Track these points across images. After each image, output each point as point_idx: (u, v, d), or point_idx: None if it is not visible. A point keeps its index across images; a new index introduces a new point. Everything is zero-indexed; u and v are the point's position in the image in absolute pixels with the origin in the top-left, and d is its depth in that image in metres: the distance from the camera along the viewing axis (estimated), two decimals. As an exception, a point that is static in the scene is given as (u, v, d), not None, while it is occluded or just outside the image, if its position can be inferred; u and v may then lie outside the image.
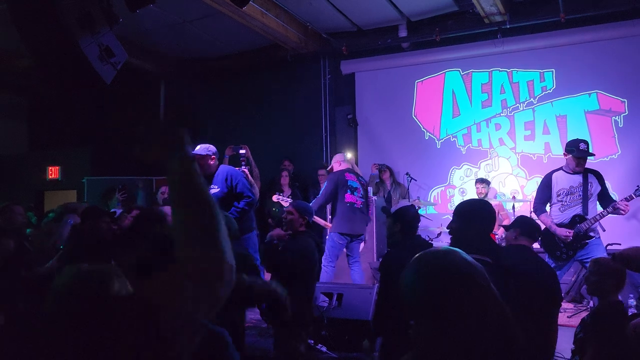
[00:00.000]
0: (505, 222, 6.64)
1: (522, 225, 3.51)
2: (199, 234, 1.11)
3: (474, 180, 7.21)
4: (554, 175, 4.95)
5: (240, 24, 7.27)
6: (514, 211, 6.55)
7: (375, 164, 7.89)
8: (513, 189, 7.46)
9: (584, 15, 6.89)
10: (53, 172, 9.15)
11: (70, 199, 8.03)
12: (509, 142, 7.60)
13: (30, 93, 10.05)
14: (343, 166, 5.97)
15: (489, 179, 7.39)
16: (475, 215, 2.84)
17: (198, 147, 4.86)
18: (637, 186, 4.73)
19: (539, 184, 7.52)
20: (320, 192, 5.95)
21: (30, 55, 4.33)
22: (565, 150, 4.87)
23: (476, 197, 6.92)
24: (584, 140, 4.85)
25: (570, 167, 4.83)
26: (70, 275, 1.27)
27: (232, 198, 4.80)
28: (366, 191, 6.01)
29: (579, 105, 7.20)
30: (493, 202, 6.84)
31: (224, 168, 4.97)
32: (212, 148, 4.91)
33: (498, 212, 6.68)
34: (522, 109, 7.52)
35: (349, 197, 5.69)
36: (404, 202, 7.36)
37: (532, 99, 7.47)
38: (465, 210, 2.92)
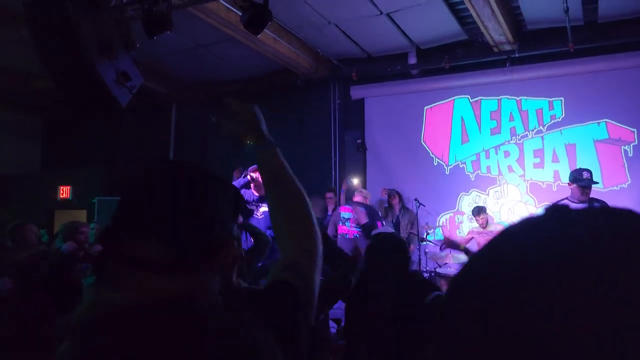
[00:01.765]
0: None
1: None
2: (302, 212, 1.24)
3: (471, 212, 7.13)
4: None
5: (252, 49, 7.41)
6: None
7: (384, 189, 7.92)
8: (522, 216, 7.43)
9: (592, 45, 6.97)
10: (64, 192, 9.27)
11: (81, 218, 8.11)
12: (518, 170, 7.61)
13: (46, 114, 10.25)
14: (356, 198, 6.28)
15: (498, 206, 7.39)
16: None
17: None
18: None
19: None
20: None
21: (49, 79, 4.44)
22: (570, 180, 4.84)
23: (478, 227, 6.88)
24: (587, 169, 4.85)
25: (575, 196, 4.77)
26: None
27: None
28: (369, 218, 6.04)
29: (588, 134, 7.22)
30: (497, 227, 6.85)
31: None
32: None
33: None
34: (531, 136, 7.55)
35: (341, 228, 6.02)
36: (413, 227, 7.35)
37: (541, 127, 7.51)
38: None
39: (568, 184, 4.88)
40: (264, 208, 5.24)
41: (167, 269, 0.84)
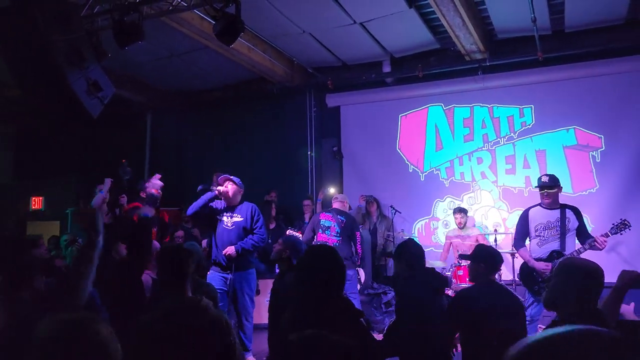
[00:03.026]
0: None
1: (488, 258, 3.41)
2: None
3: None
4: (531, 210, 5.07)
5: (227, 58, 7.42)
6: (496, 244, 6.64)
7: (362, 196, 7.98)
8: (495, 221, 7.58)
9: (560, 54, 7.15)
10: (37, 203, 9.10)
11: (53, 230, 7.97)
12: (491, 176, 7.75)
13: (18, 123, 10.07)
14: (335, 204, 6.28)
15: (472, 211, 7.51)
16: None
17: (232, 179, 5.24)
18: (613, 224, 4.84)
19: (520, 217, 7.64)
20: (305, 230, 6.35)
21: (19, 89, 4.39)
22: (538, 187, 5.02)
23: (456, 227, 7.01)
24: (546, 174, 5.06)
25: (545, 202, 4.94)
26: (57, 324, 1.27)
27: (249, 231, 5.18)
28: (348, 228, 6.07)
29: (557, 140, 7.40)
30: (474, 232, 6.97)
31: (249, 203, 5.34)
32: (241, 183, 5.32)
33: (477, 239, 6.76)
34: (502, 143, 7.70)
35: (320, 236, 6.02)
36: (389, 235, 7.43)
37: (512, 134, 7.66)
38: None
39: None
40: (236, 218, 5.19)
41: None
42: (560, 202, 5.01)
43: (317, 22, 6.84)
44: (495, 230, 7.04)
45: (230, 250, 4.99)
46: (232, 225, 5.16)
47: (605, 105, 7.17)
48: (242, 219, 5.19)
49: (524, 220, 5.08)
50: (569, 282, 2.32)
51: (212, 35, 5.96)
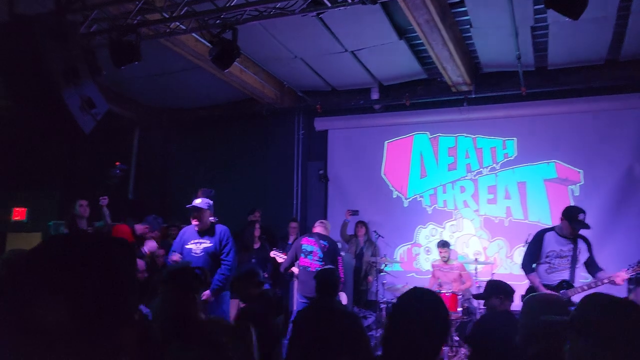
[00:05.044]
0: (468, 283, 6.85)
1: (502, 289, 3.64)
2: None
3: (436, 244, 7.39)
4: (547, 234, 4.90)
5: (218, 78, 7.50)
6: (476, 272, 6.75)
7: (349, 210, 7.93)
8: (476, 250, 7.70)
9: (543, 90, 7.40)
10: (19, 214, 8.98)
11: (35, 241, 7.85)
12: (473, 205, 7.90)
13: (1, 132, 9.96)
14: (317, 229, 6.32)
15: (453, 240, 7.64)
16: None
17: (199, 200, 5.18)
18: (629, 266, 4.66)
19: (500, 247, 7.80)
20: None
21: (12, 102, 4.41)
22: (563, 216, 4.82)
23: (439, 259, 7.10)
24: (583, 210, 4.80)
25: (564, 232, 4.80)
26: None
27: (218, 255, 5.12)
28: (331, 252, 6.12)
29: (538, 173, 7.59)
30: (455, 264, 7.08)
31: (220, 226, 5.24)
32: (210, 203, 5.23)
33: (460, 274, 6.88)
34: (485, 173, 7.88)
35: (302, 260, 6.07)
36: (374, 261, 7.45)
37: (494, 165, 7.85)
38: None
39: (560, 218, 4.86)
40: (205, 244, 5.13)
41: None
42: None
43: (309, 49, 6.99)
44: (476, 259, 7.15)
45: (206, 295, 4.84)
46: (200, 252, 5.09)
47: (585, 141, 7.40)
48: (211, 244, 5.10)
49: (537, 243, 4.89)
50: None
51: (205, 57, 6.06)
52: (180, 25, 4.80)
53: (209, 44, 5.54)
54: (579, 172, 7.40)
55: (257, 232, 7.75)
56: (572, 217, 4.72)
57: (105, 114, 4.84)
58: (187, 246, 5.13)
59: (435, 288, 6.69)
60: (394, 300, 6.71)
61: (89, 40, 4.65)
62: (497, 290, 3.65)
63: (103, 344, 0.87)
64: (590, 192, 7.26)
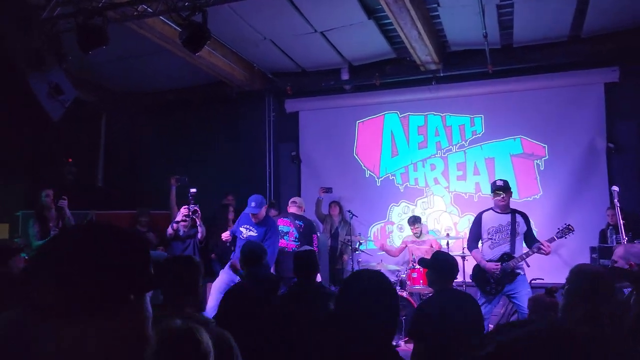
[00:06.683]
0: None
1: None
2: None
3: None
4: (484, 214, 5.38)
5: (186, 61, 7.39)
6: (448, 247, 6.94)
7: (322, 188, 7.97)
8: (447, 225, 7.89)
9: (508, 67, 7.56)
10: (-17, 206, 8.73)
11: (2, 232, 7.68)
12: (443, 182, 8.07)
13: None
14: (291, 209, 6.42)
15: (425, 216, 7.80)
16: None
17: (254, 204, 5.73)
18: (558, 228, 5.20)
19: (470, 221, 8.02)
20: None
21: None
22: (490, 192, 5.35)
23: (411, 235, 7.24)
24: (500, 179, 5.39)
25: (497, 207, 5.26)
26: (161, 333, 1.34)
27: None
28: (307, 232, 6.21)
29: (505, 149, 7.80)
30: (429, 238, 7.25)
31: (272, 222, 5.94)
32: (263, 203, 5.85)
33: (431, 244, 7.04)
34: (454, 150, 8.05)
35: (280, 242, 6.15)
36: (348, 239, 7.56)
37: (463, 142, 8.02)
38: None
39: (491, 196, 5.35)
40: (251, 233, 5.70)
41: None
42: (510, 207, 5.33)
43: (278, 30, 6.95)
44: (448, 235, 7.34)
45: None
46: (244, 238, 5.63)
47: (549, 116, 7.62)
48: (256, 234, 5.68)
49: (477, 223, 5.38)
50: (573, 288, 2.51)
51: (173, 39, 5.97)
52: (148, 9, 4.71)
53: (177, 27, 5.45)
54: (544, 146, 7.64)
55: (230, 216, 7.75)
56: (492, 190, 5.31)
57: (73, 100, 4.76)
58: (240, 228, 5.82)
59: (410, 264, 6.87)
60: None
61: (53, 24, 4.53)
62: (442, 266, 3.36)
63: (103, 324, 0.89)
64: (555, 165, 7.51)
